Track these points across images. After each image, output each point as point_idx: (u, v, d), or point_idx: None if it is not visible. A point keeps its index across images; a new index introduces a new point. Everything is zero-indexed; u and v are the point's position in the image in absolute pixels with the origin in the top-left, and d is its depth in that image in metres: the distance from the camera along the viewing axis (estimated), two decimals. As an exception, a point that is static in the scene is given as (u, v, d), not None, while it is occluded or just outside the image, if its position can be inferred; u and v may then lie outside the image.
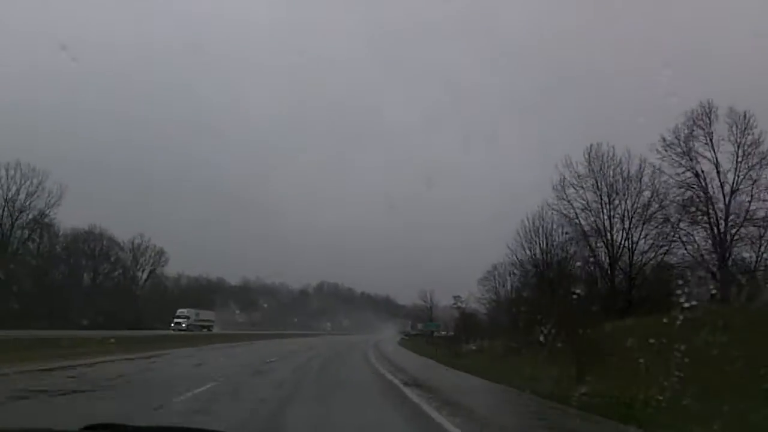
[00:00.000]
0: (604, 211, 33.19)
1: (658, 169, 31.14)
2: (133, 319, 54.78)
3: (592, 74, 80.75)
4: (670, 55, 51.42)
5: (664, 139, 30.65)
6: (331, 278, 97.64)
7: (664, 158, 30.40)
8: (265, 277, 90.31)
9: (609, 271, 32.81)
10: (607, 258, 32.95)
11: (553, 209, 34.99)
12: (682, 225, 30.68)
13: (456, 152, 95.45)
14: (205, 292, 78.30)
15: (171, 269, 72.93)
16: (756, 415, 9.48)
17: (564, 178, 34.14)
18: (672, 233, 31.19)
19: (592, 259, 33.62)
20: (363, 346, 48.12)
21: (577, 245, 34.36)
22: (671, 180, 30.46)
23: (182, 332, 52.73)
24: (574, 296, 19.97)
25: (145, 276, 69.01)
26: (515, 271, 39.65)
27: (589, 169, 33.64)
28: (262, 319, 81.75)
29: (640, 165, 32.66)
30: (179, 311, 62.16)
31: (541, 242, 35.94)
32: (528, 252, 36.90)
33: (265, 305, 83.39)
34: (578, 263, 34.46)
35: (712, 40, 63.74)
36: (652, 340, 9.92)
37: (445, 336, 54.88)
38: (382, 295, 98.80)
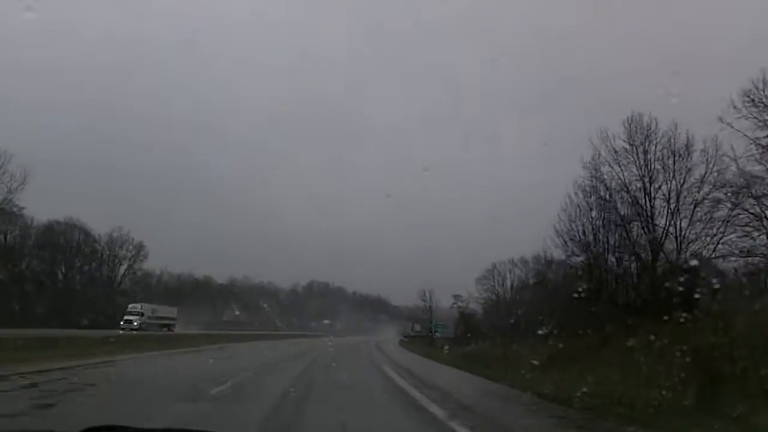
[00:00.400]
0: (648, 192, 30.20)
1: (730, 126, 26.89)
2: (106, 315, 54.31)
3: (591, 74, 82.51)
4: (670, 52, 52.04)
5: (747, 95, 25.29)
6: (321, 277, 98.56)
7: (747, 116, 26.48)
8: (254, 276, 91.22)
9: (651, 263, 29.51)
10: (649, 249, 29.94)
11: (585, 190, 32.26)
12: (746, 206, 26.39)
13: (453, 151, 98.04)
14: (189, 290, 78.73)
15: (153, 265, 73.46)
16: (756, 418, 10.05)
17: (599, 154, 31.28)
18: (730, 217, 27.11)
19: (632, 250, 30.76)
20: (370, 351, 43.99)
21: (613, 232, 31.61)
22: (751, 146, 25.31)
23: (135, 332, 47.16)
24: (575, 296, 20.15)
25: (122, 271, 69.46)
26: (568, 253, 34.31)
27: (629, 143, 30.88)
28: (249, 318, 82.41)
29: (688, 139, 29.77)
30: (131, 306, 56.77)
31: (594, 221, 32.15)
32: (578, 232, 32.70)
33: (266, 305, 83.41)
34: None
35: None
36: (652, 337, 10.45)
37: (447, 337, 55.86)
38: (374, 295, 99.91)
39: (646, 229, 30.28)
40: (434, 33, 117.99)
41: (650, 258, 29.58)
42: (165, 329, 57.67)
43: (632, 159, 30.63)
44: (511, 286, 56.52)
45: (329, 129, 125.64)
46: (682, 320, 10.08)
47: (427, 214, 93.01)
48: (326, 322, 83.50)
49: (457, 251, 76.19)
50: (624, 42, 79.72)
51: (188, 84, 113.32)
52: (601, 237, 31.97)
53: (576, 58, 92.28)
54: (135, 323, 53.10)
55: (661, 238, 29.50)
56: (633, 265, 30.88)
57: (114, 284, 67.83)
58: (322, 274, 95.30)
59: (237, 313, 78.31)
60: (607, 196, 31.29)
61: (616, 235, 31.32)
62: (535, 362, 16.37)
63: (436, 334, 60.23)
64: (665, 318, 11.22)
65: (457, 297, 58.37)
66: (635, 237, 30.64)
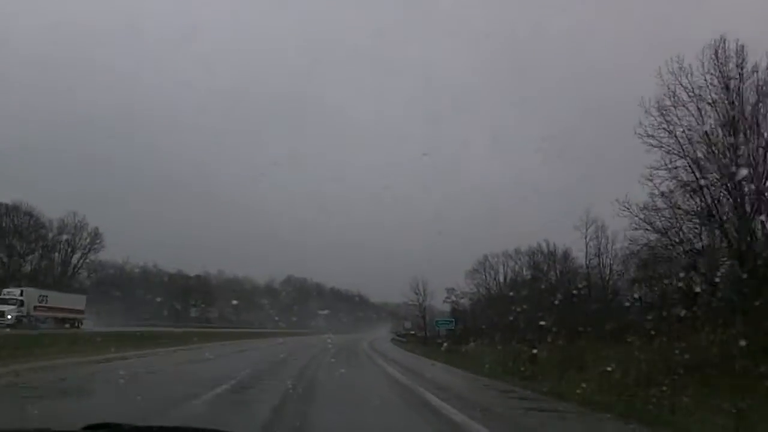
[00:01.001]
0: (737, 146, 25.09)
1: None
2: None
3: (591, 71, 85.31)
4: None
5: None
6: (299, 273, 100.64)
7: None
8: (228, 270, 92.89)
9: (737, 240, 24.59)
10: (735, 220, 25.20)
11: (649, 140, 26.75)
12: None
13: (449, 147, 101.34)
14: (158, 282, 79.38)
15: (118, 256, 74.25)
16: (756, 414, 11.35)
17: (673, 92, 25.94)
18: None
19: (715, 218, 25.85)
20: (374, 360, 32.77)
21: (683, 197, 27.23)
22: None
23: (8, 330, 37.33)
24: (575, 293, 19.95)
25: (75, 261, 69.81)
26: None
27: (717, 77, 25.34)
28: (221, 314, 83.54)
29: None
30: (4, 292, 45.66)
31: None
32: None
33: (263, 303, 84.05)
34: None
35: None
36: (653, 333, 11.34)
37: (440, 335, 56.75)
38: (353, 291, 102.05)
39: (731, 195, 25.57)
40: (433, 32, 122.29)
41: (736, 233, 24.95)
42: (66, 325, 47.81)
43: (721, 98, 25.76)
44: (505, 279, 57.89)
45: (324, 126, 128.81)
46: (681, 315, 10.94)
47: (415, 210, 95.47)
48: (323, 312, 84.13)
49: (445, 247, 78.71)
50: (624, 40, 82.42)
51: (169, 79, 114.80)
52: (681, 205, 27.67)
53: (576, 57, 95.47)
54: (8, 316, 42.72)
55: (754, 207, 25.37)
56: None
57: (67, 274, 68.17)
58: (300, 269, 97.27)
59: (235, 302, 77.98)
60: (682, 152, 26.52)
61: (695, 202, 27.18)
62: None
63: (441, 330, 59.82)
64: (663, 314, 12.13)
65: (450, 291, 59.25)
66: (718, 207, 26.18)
